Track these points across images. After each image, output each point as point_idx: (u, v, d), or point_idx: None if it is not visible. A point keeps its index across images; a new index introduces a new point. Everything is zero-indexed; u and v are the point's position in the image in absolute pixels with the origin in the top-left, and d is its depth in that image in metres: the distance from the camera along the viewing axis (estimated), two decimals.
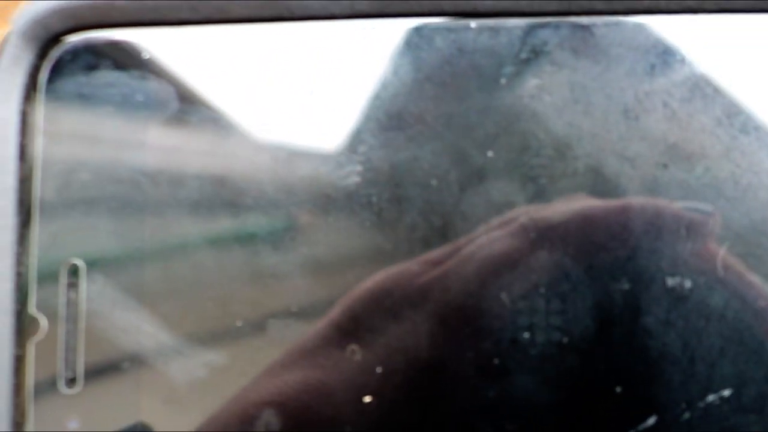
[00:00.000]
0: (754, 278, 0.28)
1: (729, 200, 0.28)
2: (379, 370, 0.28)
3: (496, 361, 0.28)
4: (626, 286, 0.28)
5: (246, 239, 0.30)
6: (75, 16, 0.30)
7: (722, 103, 0.28)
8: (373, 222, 0.29)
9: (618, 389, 0.28)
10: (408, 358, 0.27)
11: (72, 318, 0.30)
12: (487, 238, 0.28)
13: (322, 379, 0.28)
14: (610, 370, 0.27)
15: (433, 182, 0.29)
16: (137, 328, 0.30)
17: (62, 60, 0.30)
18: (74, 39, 0.31)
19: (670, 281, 0.27)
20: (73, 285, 0.30)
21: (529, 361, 0.28)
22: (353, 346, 0.28)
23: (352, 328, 0.28)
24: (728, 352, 0.27)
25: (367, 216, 0.29)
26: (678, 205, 0.28)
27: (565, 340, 0.28)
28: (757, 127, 0.28)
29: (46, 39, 0.30)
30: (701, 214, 0.27)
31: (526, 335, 0.28)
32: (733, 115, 0.28)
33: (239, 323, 0.29)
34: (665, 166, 0.28)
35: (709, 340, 0.27)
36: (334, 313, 0.28)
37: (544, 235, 0.28)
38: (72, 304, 0.30)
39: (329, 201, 0.29)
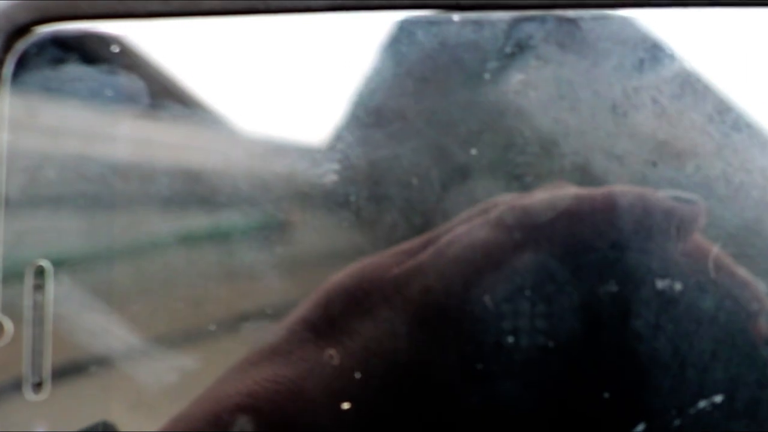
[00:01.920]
0: (742, 272, 0.27)
1: (720, 199, 0.27)
2: (352, 366, 0.27)
3: (475, 355, 0.27)
4: (610, 276, 0.27)
5: (219, 238, 0.29)
6: (42, 8, 0.30)
7: (713, 100, 0.28)
8: (352, 220, 0.28)
9: (605, 393, 0.27)
10: (382, 352, 0.27)
11: (38, 321, 0.29)
12: (465, 228, 0.28)
13: (293, 377, 0.27)
14: (595, 366, 0.27)
15: (415, 180, 0.28)
16: (105, 330, 0.29)
17: (28, 53, 0.30)
18: (41, 31, 0.30)
19: (657, 278, 0.27)
20: (39, 287, 0.30)
21: (509, 356, 0.27)
22: (325, 342, 0.28)
23: (325, 322, 0.28)
24: (718, 351, 0.27)
25: (346, 214, 0.29)
26: (663, 194, 0.27)
27: (547, 332, 0.27)
28: (749, 124, 0.28)
29: (11, 31, 0.30)
30: (686, 204, 0.27)
31: (507, 327, 0.27)
32: (725, 111, 0.28)
33: (211, 325, 0.29)
34: (654, 164, 0.28)
35: (696, 338, 0.27)
36: (305, 307, 0.28)
37: (523, 224, 0.27)
38: (38, 307, 0.30)
39: (307, 199, 0.29)
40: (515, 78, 0.28)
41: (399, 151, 0.28)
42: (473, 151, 0.28)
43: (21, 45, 0.30)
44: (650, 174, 0.28)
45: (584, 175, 0.28)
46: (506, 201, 0.28)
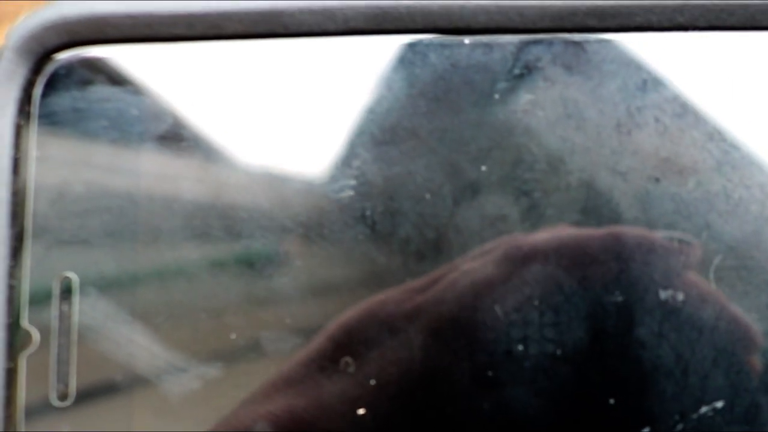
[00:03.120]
0: (736, 309, 0.28)
1: (720, 214, 0.28)
2: (363, 400, 0.28)
3: (478, 392, 0.28)
4: (609, 315, 0.27)
5: (240, 255, 0.30)
6: (69, 32, 0.30)
7: (712, 120, 0.28)
8: (366, 238, 0.29)
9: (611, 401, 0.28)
10: (392, 387, 0.27)
11: (64, 332, 0.30)
12: (471, 266, 0.28)
13: (306, 409, 0.27)
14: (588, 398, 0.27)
15: (427, 197, 0.29)
16: (130, 342, 0.30)
17: (56, 75, 0.30)
18: (68, 54, 0.31)
19: (656, 315, 0.27)
20: (65, 299, 0.30)
21: (513, 391, 0.28)
22: (337, 374, 0.28)
23: (336, 357, 0.28)
24: (709, 383, 0.27)
25: (360, 231, 0.29)
26: (660, 235, 0.28)
27: (552, 366, 0.27)
28: (746, 144, 0.28)
29: (41, 54, 0.30)
30: (683, 244, 0.28)
31: (510, 365, 0.27)
32: (724, 130, 0.28)
33: (233, 340, 0.29)
34: (657, 180, 0.28)
35: (690, 371, 0.27)
36: (318, 342, 0.28)
37: (527, 263, 0.28)
38: (64, 318, 0.30)
39: (323, 220, 0.29)
40: (523, 98, 0.29)
41: (412, 169, 0.29)
42: (483, 168, 0.29)
43: (50, 68, 0.31)
44: (653, 190, 0.28)
45: (590, 191, 0.28)
46: (510, 240, 0.28)
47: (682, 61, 0.29)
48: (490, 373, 0.27)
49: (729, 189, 0.28)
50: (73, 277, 0.30)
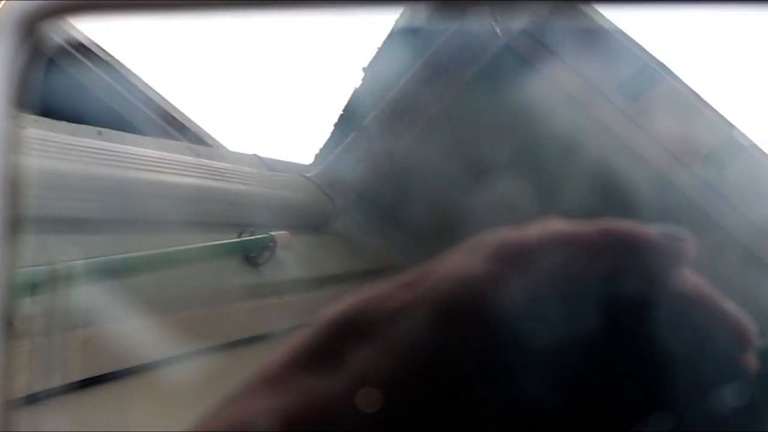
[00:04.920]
0: (729, 305, 0.27)
1: (739, 202, 0.28)
2: (348, 398, 0.27)
3: (468, 386, 0.28)
4: (600, 309, 0.27)
5: (235, 245, 0.29)
6: (55, 6, 0.29)
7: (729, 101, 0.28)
8: (380, 229, 0.29)
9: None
10: (379, 384, 0.27)
11: (61, 326, 0.30)
12: (460, 261, 0.27)
13: (287, 406, 0.27)
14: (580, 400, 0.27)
15: (437, 182, 0.28)
16: (128, 337, 0.30)
17: (51, 63, 0.29)
18: (56, 28, 0.29)
19: (648, 311, 0.27)
20: (63, 293, 0.30)
21: (500, 390, 0.28)
22: (323, 371, 0.28)
23: (320, 354, 0.28)
24: (703, 380, 0.27)
25: (374, 222, 0.29)
26: (653, 229, 0.27)
27: (542, 361, 0.27)
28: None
29: (27, 28, 0.29)
30: (676, 238, 0.27)
31: (501, 357, 0.27)
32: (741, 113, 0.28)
33: (231, 337, 0.29)
34: (673, 163, 0.28)
35: (682, 371, 0.27)
36: (303, 338, 0.28)
37: (516, 258, 0.27)
38: (62, 313, 0.30)
39: (335, 209, 0.29)
40: (536, 83, 0.29)
41: (419, 153, 0.29)
42: (494, 153, 0.28)
43: (35, 40, 0.30)
44: (669, 173, 0.28)
45: (605, 175, 0.28)
46: (499, 235, 0.28)
47: (695, 43, 0.28)
48: (481, 368, 0.27)
49: (750, 177, 0.28)
50: (70, 272, 0.30)
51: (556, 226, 0.26)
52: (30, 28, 0.29)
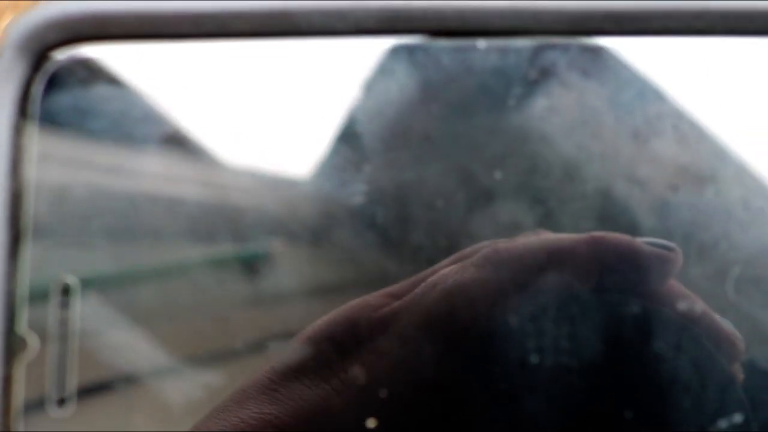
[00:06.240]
0: (718, 317, 0.28)
1: (740, 224, 0.28)
2: (338, 407, 0.27)
3: (455, 396, 0.27)
4: (588, 321, 0.27)
5: (241, 258, 0.29)
6: (71, 29, 0.30)
7: (731, 126, 0.28)
8: (375, 243, 0.29)
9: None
10: (367, 394, 0.27)
11: (63, 338, 0.30)
12: (450, 270, 0.28)
13: (278, 413, 0.27)
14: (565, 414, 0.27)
15: (440, 204, 0.28)
16: (130, 348, 0.29)
17: (57, 74, 0.30)
18: (70, 52, 0.30)
19: (635, 323, 0.27)
20: (64, 304, 0.30)
21: (496, 394, 0.27)
22: (310, 381, 0.28)
23: (311, 362, 0.28)
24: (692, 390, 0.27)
25: (370, 236, 0.29)
26: (641, 240, 0.28)
27: (526, 373, 0.27)
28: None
29: (41, 52, 0.30)
30: (665, 251, 0.27)
31: (488, 367, 0.27)
32: (743, 137, 0.28)
33: (235, 345, 0.29)
34: (675, 188, 0.28)
35: (671, 383, 0.27)
36: (292, 348, 0.28)
37: (506, 267, 0.27)
38: (63, 324, 0.30)
39: (332, 221, 0.29)
40: (539, 104, 0.29)
41: (424, 175, 0.29)
42: (498, 175, 0.29)
43: (50, 65, 0.30)
44: (671, 198, 0.28)
45: (606, 199, 0.28)
46: (489, 244, 0.28)
47: (702, 67, 0.28)
48: (468, 379, 0.27)
49: (748, 199, 0.28)
50: (73, 281, 0.30)
51: (545, 236, 0.26)
52: (36, 42, 0.30)
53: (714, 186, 0.28)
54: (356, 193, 0.29)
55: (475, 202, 0.28)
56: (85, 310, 0.30)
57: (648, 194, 0.28)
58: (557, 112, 0.28)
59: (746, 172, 0.28)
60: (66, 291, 0.30)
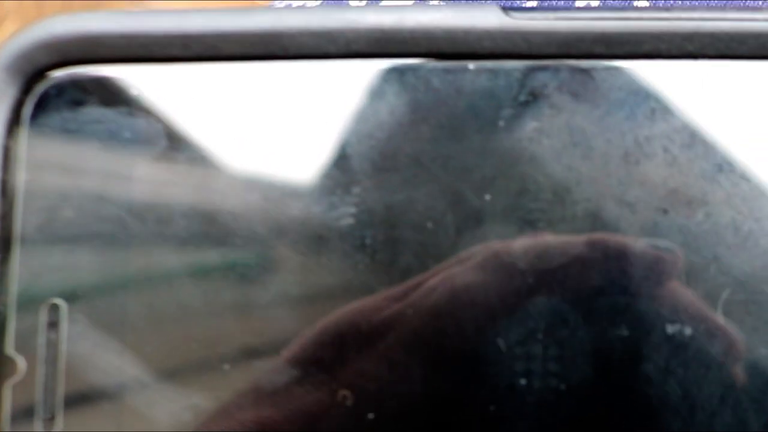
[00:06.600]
0: (719, 319, 0.27)
1: (729, 247, 0.28)
2: (336, 412, 0.27)
3: (456, 398, 0.27)
4: (587, 323, 0.27)
5: (232, 279, 0.29)
6: (60, 51, 0.30)
7: (722, 150, 0.28)
8: (365, 266, 0.29)
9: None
10: (367, 398, 0.27)
11: (51, 359, 0.29)
12: (450, 272, 0.28)
13: (278, 418, 0.27)
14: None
15: (429, 225, 0.28)
16: (119, 369, 0.29)
17: (47, 95, 0.30)
18: (60, 74, 0.30)
19: (635, 323, 0.27)
20: (53, 325, 0.30)
21: (490, 398, 0.27)
22: (311, 384, 0.28)
23: (309, 367, 0.28)
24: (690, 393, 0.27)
25: (359, 258, 0.29)
26: (642, 242, 0.28)
27: (527, 374, 0.27)
28: (757, 174, 0.28)
29: (31, 73, 0.30)
30: (664, 252, 0.27)
31: (488, 369, 0.27)
32: (734, 161, 0.28)
33: (225, 365, 0.29)
34: (665, 211, 0.28)
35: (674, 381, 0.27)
36: (291, 350, 0.28)
37: (507, 268, 0.27)
38: (52, 345, 0.29)
39: (318, 242, 0.29)
40: (529, 126, 0.29)
41: (413, 196, 0.29)
42: (487, 197, 0.28)
43: (40, 87, 0.30)
44: (661, 221, 0.28)
45: (596, 221, 0.28)
46: (490, 247, 0.28)
47: (692, 90, 0.28)
48: (469, 382, 0.27)
49: (739, 222, 0.28)
50: (61, 302, 0.29)
51: (544, 238, 0.26)
52: (25, 64, 0.30)
53: (704, 209, 0.28)
54: (345, 215, 0.29)
55: (464, 224, 0.28)
56: (73, 329, 0.29)
57: (638, 216, 0.28)
58: (547, 134, 0.28)
59: (737, 194, 0.28)
60: (55, 314, 0.30)
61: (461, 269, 0.27)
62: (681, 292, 0.27)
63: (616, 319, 0.27)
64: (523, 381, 0.27)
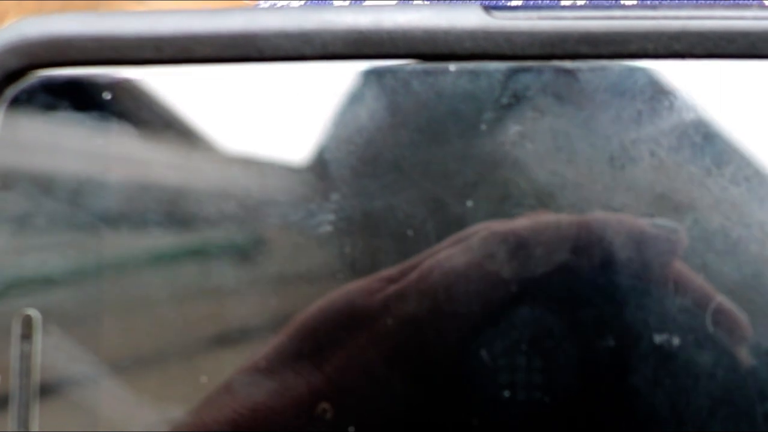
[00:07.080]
0: (724, 299, 0.27)
1: (718, 253, 0.27)
2: (328, 397, 0.27)
3: (456, 381, 0.27)
4: (589, 300, 0.27)
5: (213, 295, 0.29)
6: (33, 54, 0.29)
7: (712, 152, 0.27)
8: (343, 275, 0.28)
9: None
10: (362, 377, 0.27)
11: (25, 372, 0.29)
12: (447, 253, 0.27)
13: (272, 404, 0.27)
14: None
15: (409, 232, 0.28)
16: (94, 380, 0.29)
17: (17, 99, 0.29)
18: (32, 77, 0.29)
19: (637, 302, 0.27)
20: (26, 337, 0.29)
21: (494, 381, 0.27)
22: (306, 368, 0.27)
23: (304, 349, 0.27)
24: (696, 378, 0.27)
25: (339, 268, 0.28)
26: (645, 221, 0.27)
27: (529, 351, 0.27)
28: (749, 178, 0.27)
29: (2, 77, 0.29)
30: (668, 231, 0.27)
31: (489, 350, 0.27)
32: (724, 164, 0.27)
33: (202, 377, 0.28)
34: (651, 216, 0.27)
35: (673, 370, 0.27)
36: (285, 333, 0.28)
37: (505, 249, 0.27)
38: (25, 358, 0.29)
39: (297, 250, 0.28)
40: (512, 129, 0.28)
41: (394, 202, 0.28)
42: (469, 203, 0.28)
43: (11, 91, 0.29)
44: (647, 226, 0.27)
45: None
46: (488, 227, 0.27)
47: (680, 91, 0.28)
48: (466, 363, 0.27)
49: (727, 228, 0.27)
50: (35, 314, 0.29)
51: (545, 216, 0.26)
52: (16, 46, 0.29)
53: (692, 215, 0.27)
54: (323, 223, 0.28)
55: (445, 230, 0.28)
56: (47, 341, 0.29)
57: (622, 227, 0.27)
58: (531, 138, 0.28)
59: (725, 200, 0.27)
60: (28, 323, 0.29)
61: (458, 249, 0.27)
62: (685, 270, 0.27)
63: (621, 297, 0.27)
64: (526, 365, 0.27)
